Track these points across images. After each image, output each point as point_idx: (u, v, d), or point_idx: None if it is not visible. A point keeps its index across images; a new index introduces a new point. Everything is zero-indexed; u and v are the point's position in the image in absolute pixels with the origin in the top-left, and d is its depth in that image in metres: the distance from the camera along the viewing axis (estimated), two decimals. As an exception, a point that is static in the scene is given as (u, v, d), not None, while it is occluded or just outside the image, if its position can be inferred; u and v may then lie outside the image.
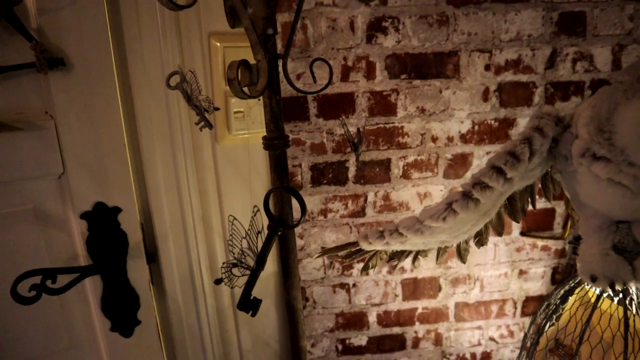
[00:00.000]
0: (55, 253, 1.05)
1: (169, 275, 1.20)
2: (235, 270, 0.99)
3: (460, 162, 1.26)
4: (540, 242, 1.34)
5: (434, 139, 1.24)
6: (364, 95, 1.21)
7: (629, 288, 0.82)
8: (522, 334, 1.41)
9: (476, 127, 1.25)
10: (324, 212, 1.26)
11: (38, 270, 0.94)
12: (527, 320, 1.41)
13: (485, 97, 1.23)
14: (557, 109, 0.78)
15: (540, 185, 0.90)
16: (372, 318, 1.36)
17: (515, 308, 1.40)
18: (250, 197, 1.24)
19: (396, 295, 1.35)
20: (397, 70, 1.20)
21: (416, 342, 1.39)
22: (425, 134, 1.24)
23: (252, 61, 0.86)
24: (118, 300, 1.12)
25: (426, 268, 1.33)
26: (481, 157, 1.26)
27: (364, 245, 0.88)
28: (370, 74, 1.20)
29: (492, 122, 1.25)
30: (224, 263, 0.99)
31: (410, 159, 1.25)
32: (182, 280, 1.22)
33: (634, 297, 0.84)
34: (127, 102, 1.09)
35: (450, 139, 1.25)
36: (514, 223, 1.33)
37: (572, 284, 0.90)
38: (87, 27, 0.97)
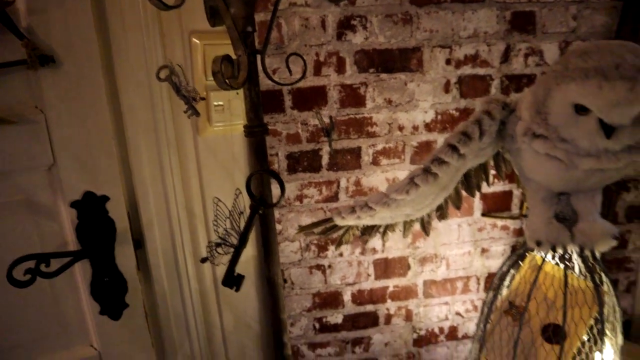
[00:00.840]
0: (46, 240, 1.12)
1: (154, 260, 1.27)
2: (219, 249, 1.07)
3: (425, 149, 1.37)
4: (499, 222, 1.46)
5: (401, 128, 1.35)
6: (335, 88, 1.30)
7: (568, 251, 0.94)
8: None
9: (439, 117, 1.35)
10: (300, 198, 1.35)
11: (32, 255, 1.01)
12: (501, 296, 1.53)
13: (446, 89, 1.34)
14: (505, 97, 0.89)
15: (493, 164, 1.01)
16: (347, 297, 1.45)
17: (479, 284, 1.52)
18: (231, 184, 1.32)
19: (369, 275, 1.44)
20: (365, 64, 1.30)
21: (388, 319, 1.50)
22: (392, 123, 1.34)
23: (233, 57, 0.94)
24: (107, 285, 1.18)
25: (396, 248, 1.44)
26: (444, 144, 1.37)
27: (338, 221, 0.97)
28: (340, 68, 1.29)
29: (454, 111, 1.36)
30: (209, 242, 1.07)
31: (379, 146, 1.35)
32: (166, 264, 1.29)
33: (574, 260, 0.95)
34: (114, 96, 1.15)
35: (415, 128, 1.35)
36: (476, 205, 1.44)
37: (521, 251, 1.01)
38: (74, 25, 1.03)
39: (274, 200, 0.97)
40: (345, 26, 1.26)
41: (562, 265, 0.96)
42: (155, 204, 1.25)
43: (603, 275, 0.97)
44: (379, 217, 0.95)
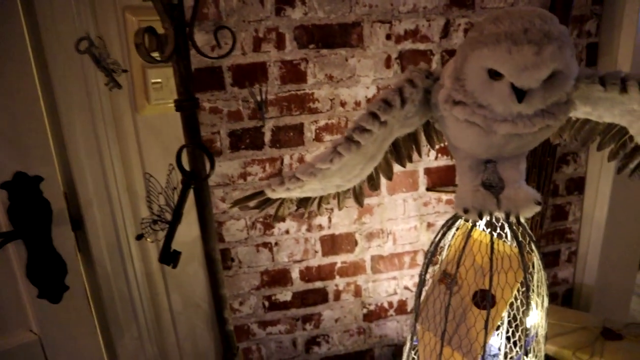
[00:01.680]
0: (-24, 223, 1.09)
1: (95, 241, 1.25)
2: (155, 226, 1.06)
3: (368, 125, 1.38)
4: (444, 196, 1.49)
5: (343, 104, 1.35)
6: (275, 64, 1.29)
7: (494, 217, 0.96)
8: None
9: (381, 92, 1.36)
10: (244, 176, 1.35)
11: (-42, 236, 0.98)
12: (436, 268, 1.56)
13: (387, 64, 1.35)
14: (428, 65, 0.90)
15: (424, 135, 1.02)
16: (295, 274, 1.46)
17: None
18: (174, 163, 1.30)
19: (316, 252, 1.46)
20: (305, 40, 1.29)
21: (337, 295, 1.51)
22: (334, 99, 1.34)
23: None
24: (44, 267, 1.16)
25: (342, 225, 1.45)
26: (387, 120, 1.39)
27: (269, 193, 0.96)
28: (280, 44, 1.28)
29: (396, 87, 1.37)
30: (143, 219, 1.06)
31: (322, 123, 1.35)
32: (109, 246, 1.27)
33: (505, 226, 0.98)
34: (43, 71, 1.12)
35: (357, 104, 1.36)
36: (421, 180, 1.46)
37: (451, 221, 1.03)
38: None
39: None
40: (283, 1, 1.25)
41: (490, 232, 0.98)
42: (93, 183, 1.23)
43: (529, 240, 1.00)
44: (309, 189, 0.95)
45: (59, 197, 1.15)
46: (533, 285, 1.04)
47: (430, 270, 1.07)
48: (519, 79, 0.73)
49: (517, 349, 1.05)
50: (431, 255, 1.04)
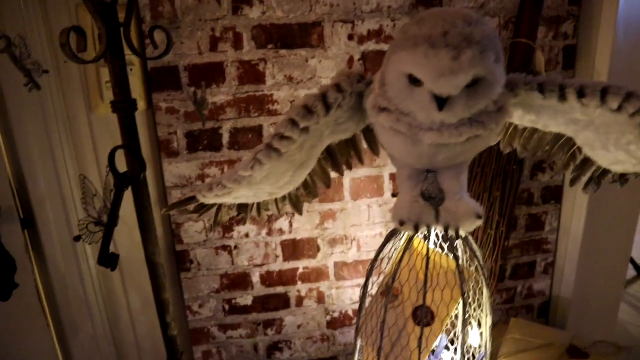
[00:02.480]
0: None
1: (47, 240, 1.25)
2: (92, 227, 1.05)
3: (330, 128, 1.34)
4: (411, 203, 1.44)
5: (303, 106, 1.31)
6: (233, 64, 1.27)
7: (432, 230, 0.92)
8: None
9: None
10: (201, 178, 1.33)
11: None
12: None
13: (350, 65, 1.31)
14: (362, 69, 0.86)
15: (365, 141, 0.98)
16: (255, 278, 1.44)
17: (393, 265, 1.50)
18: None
19: (277, 256, 1.43)
20: (263, 40, 1.26)
21: (300, 301, 1.48)
22: (294, 101, 1.31)
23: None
24: (-8, 264, 1.16)
25: (304, 229, 1.42)
26: (351, 123, 1.35)
27: (200, 199, 0.94)
28: (238, 44, 1.26)
29: (360, 90, 1.33)
30: (80, 221, 1.05)
31: (281, 125, 1.32)
32: (62, 245, 1.27)
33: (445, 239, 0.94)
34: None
35: (318, 106, 1.32)
36: (386, 186, 1.42)
37: (390, 233, 0.99)
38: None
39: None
40: (241, 0, 1.23)
41: (427, 244, 0.94)
42: (46, 183, 1.22)
43: (473, 255, 0.96)
44: (241, 195, 0.92)
45: (7, 195, 1.15)
46: (479, 302, 0.99)
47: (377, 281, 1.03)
48: (436, 85, 0.69)
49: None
50: (371, 267, 1.00)
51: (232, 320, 1.47)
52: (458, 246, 0.95)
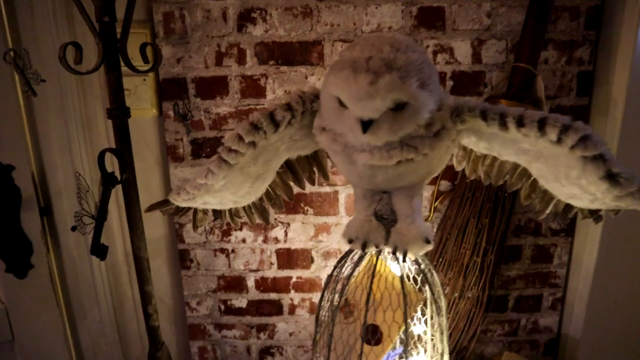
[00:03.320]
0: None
1: (62, 228, 1.39)
2: (85, 219, 1.16)
3: (326, 144, 1.38)
4: (408, 223, 1.44)
5: (300, 121, 1.36)
6: (236, 78, 1.35)
7: (382, 249, 0.93)
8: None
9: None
10: (202, 183, 1.41)
11: None
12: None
13: (348, 84, 1.34)
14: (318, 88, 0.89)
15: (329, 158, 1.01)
16: (250, 283, 1.50)
17: (387, 284, 1.50)
18: (142, 163, 1.40)
19: (272, 264, 1.48)
20: (265, 56, 1.33)
21: (292, 309, 1.52)
22: (292, 115, 1.36)
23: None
24: (12, 246, 1.31)
25: (298, 240, 1.46)
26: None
27: (172, 201, 1.01)
28: (241, 59, 1.33)
29: (358, 107, 1.35)
30: (75, 213, 1.16)
31: (277, 137, 1.37)
32: (76, 234, 1.40)
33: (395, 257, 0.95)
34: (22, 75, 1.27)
35: (315, 122, 1.36)
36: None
37: (347, 251, 1.01)
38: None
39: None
40: (245, 18, 1.30)
41: (374, 263, 0.95)
42: (63, 176, 1.36)
43: (425, 279, 0.95)
44: (206, 201, 0.98)
45: (29, 185, 1.30)
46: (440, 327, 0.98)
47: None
48: (355, 108, 0.71)
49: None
50: (326, 283, 1.03)
51: (227, 321, 1.54)
52: (408, 268, 0.96)
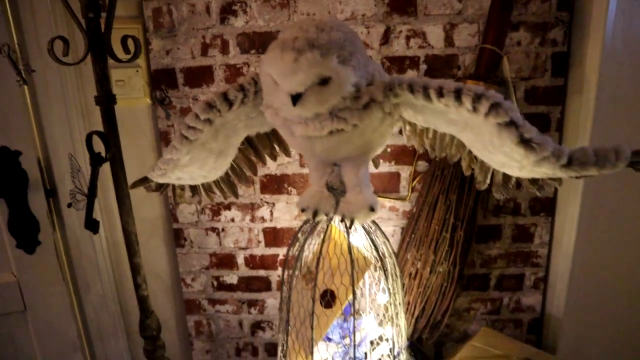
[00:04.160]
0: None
1: (66, 208, 1.52)
2: (78, 196, 1.28)
3: (306, 127, 1.45)
4: (388, 203, 1.49)
5: (280, 106, 1.44)
6: (220, 67, 1.44)
7: (330, 217, 1.00)
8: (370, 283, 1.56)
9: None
10: (192, 166, 1.51)
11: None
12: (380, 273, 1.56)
13: (325, 70, 1.40)
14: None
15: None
16: (240, 260, 1.59)
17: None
18: (136, 148, 1.51)
19: (259, 242, 1.57)
20: (247, 46, 1.42)
21: (280, 285, 1.60)
22: (272, 101, 1.44)
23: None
24: (21, 224, 1.45)
25: (283, 219, 1.54)
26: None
27: (150, 177, 1.11)
28: (224, 49, 1.42)
29: (335, 92, 1.42)
30: (70, 191, 1.28)
31: (259, 122, 1.46)
32: (78, 214, 1.53)
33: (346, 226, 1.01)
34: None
35: (294, 106, 1.44)
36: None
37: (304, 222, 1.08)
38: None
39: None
40: (227, 11, 1.39)
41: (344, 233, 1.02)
42: (66, 161, 1.48)
43: (372, 245, 1.02)
44: (180, 177, 1.08)
45: (34, 169, 1.43)
46: (393, 292, 1.04)
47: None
48: (283, 83, 0.79)
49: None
50: (287, 252, 1.10)
51: (219, 296, 1.64)
52: (358, 235, 1.03)
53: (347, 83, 0.79)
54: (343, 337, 1.22)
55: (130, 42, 1.20)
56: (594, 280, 1.46)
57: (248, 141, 1.07)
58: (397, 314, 1.08)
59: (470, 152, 0.94)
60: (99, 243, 1.58)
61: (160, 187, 1.19)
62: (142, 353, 1.40)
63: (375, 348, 1.18)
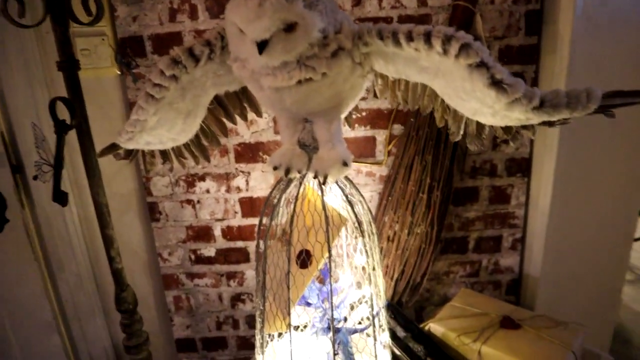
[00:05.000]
0: None
1: (34, 185, 1.47)
2: (44, 167, 1.23)
3: (280, 93, 1.42)
4: (364, 168, 1.48)
5: (252, 72, 1.41)
6: (190, 33, 1.40)
7: (303, 175, 0.98)
8: (348, 253, 1.56)
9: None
10: (164, 136, 1.47)
11: None
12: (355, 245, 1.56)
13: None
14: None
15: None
16: (217, 232, 1.57)
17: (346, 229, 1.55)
18: (107, 120, 1.47)
19: (236, 212, 1.54)
20: (216, 11, 1.38)
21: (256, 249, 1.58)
22: (244, 67, 1.41)
23: None
24: (-13, 201, 1.40)
25: (259, 188, 1.52)
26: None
27: (118, 143, 1.07)
28: (193, 15, 1.38)
29: (308, 56, 1.39)
30: (35, 162, 1.24)
31: (231, 89, 1.42)
32: (47, 190, 1.48)
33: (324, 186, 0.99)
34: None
35: (266, 72, 1.41)
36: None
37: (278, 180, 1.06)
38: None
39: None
40: (194, -27, 1.35)
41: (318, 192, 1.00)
42: (31, 135, 1.43)
43: (347, 201, 1.00)
44: (149, 141, 1.04)
45: (-1, 145, 1.38)
46: (371, 254, 1.03)
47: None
48: (247, 29, 0.76)
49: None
50: (262, 211, 1.08)
51: (198, 270, 1.61)
52: (333, 194, 1.01)
53: (314, 28, 0.77)
54: (322, 301, 1.21)
55: (91, 3, 1.15)
56: (570, 238, 1.48)
57: (217, 101, 1.04)
58: (374, 272, 1.07)
59: (443, 101, 0.92)
60: (71, 219, 1.54)
61: (130, 155, 1.16)
62: (121, 332, 1.37)
63: (354, 308, 1.17)
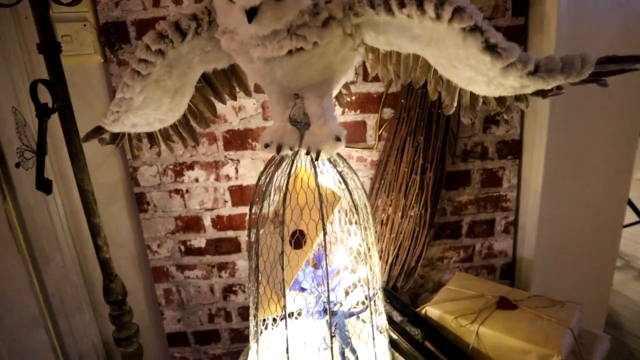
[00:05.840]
0: None
1: (16, 176, 1.43)
2: (27, 154, 1.20)
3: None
4: (355, 153, 1.46)
5: (239, 56, 1.39)
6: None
7: (295, 152, 0.96)
8: (342, 238, 1.54)
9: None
10: (150, 124, 1.44)
11: None
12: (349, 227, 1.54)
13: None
14: None
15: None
16: (207, 222, 1.54)
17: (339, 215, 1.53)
18: (89, 109, 1.43)
19: (226, 201, 1.51)
20: (201, -6, 1.35)
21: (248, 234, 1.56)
22: (231, 51, 1.38)
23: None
24: (-32, 193, 1.36)
25: (249, 176, 1.49)
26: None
27: (103, 125, 1.04)
28: (177, -1, 1.36)
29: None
30: (17, 149, 1.20)
31: (219, 74, 1.40)
32: (30, 181, 1.44)
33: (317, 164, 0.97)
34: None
35: (254, 56, 1.38)
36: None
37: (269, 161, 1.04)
38: None
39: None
40: (178, -44, 1.32)
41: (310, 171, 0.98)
42: (12, 124, 1.39)
43: (341, 178, 0.98)
44: (135, 122, 1.01)
45: (-22, 134, 1.34)
46: (366, 234, 1.01)
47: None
48: (236, -4, 0.74)
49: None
50: (252, 200, 1.06)
51: (188, 261, 1.58)
52: (326, 172, 0.99)
53: (304, -4, 0.75)
54: (317, 285, 1.19)
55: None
56: (563, 220, 1.48)
57: (206, 80, 1.02)
58: (369, 253, 1.05)
59: (435, 72, 0.91)
60: (56, 210, 1.49)
61: (115, 139, 1.13)
62: (110, 325, 1.34)
63: (350, 292, 1.15)
